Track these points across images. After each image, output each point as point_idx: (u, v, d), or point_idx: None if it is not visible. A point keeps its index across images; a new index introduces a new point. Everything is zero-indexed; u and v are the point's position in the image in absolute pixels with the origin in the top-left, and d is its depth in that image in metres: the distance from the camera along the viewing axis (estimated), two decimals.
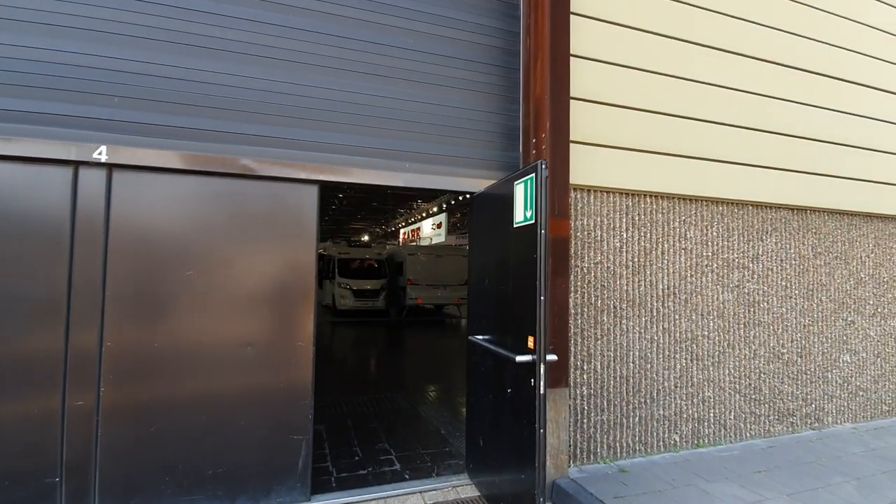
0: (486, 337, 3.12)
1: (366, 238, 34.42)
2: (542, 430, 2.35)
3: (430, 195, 22.29)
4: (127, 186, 2.76)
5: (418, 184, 3.35)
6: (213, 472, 2.84)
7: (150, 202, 2.79)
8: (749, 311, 4.15)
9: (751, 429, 4.11)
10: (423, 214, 25.91)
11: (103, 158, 2.69)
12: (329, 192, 22.34)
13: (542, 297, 2.39)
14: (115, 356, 2.71)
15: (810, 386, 4.42)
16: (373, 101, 3.29)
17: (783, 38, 4.37)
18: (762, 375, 4.19)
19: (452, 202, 21.41)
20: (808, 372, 4.41)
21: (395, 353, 9.30)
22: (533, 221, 2.47)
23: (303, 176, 3.05)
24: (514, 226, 2.70)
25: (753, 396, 4.14)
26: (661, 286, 3.79)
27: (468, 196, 3.62)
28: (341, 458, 3.78)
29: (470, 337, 3.30)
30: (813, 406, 4.43)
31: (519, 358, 2.42)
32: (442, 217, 22.99)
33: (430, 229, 24.35)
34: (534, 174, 2.48)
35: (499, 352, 2.75)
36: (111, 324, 2.70)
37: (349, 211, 29.93)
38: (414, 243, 24.80)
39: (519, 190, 2.66)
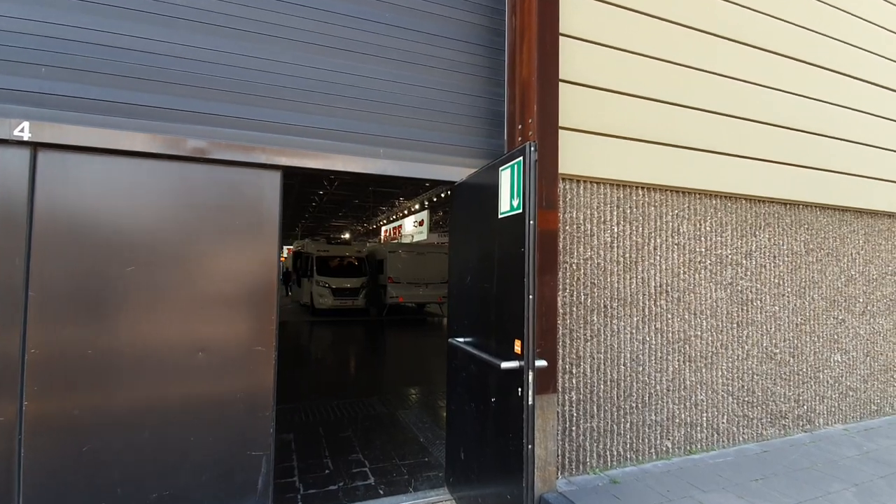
0: (467, 339, 2.84)
1: (346, 236, 33.89)
2: (530, 446, 2.08)
3: (411, 190, 21.94)
4: (55, 169, 2.39)
5: (394, 171, 3.05)
6: (159, 496, 2.49)
7: (82, 187, 2.43)
8: (742, 309, 3.97)
9: (743, 432, 3.94)
10: (405, 212, 25.52)
11: (26, 136, 2.32)
12: (308, 189, 21.79)
13: (530, 296, 2.12)
14: (41, 364, 2.34)
15: (802, 387, 4.28)
16: (344, 79, 2.98)
17: (782, 28, 4.20)
18: (755, 377, 4.02)
19: (434, 199, 21.09)
20: (801, 372, 4.27)
21: (375, 353, 8.97)
22: (520, 211, 2.20)
23: (263, 160, 2.72)
24: (500, 216, 2.43)
25: (746, 399, 3.96)
26: (653, 283, 3.57)
27: (449, 191, 3.34)
28: (310, 472, 3.46)
29: (450, 339, 3.02)
30: (805, 407, 4.29)
31: (504, 364, 2.15)
32: (424, 215, 22.64)
33: (412, 227, 23.99)
34: (521, 157, 2.21)
35: (482, 356, 2.47)
36: (36, 327, 2.33)
37: (330, 208, 29.34)
38: (395, 241, 24.42)
39: (505, 176, 2.39)
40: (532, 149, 2.16)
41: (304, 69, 2.89)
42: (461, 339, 2.90)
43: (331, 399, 5.44)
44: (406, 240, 23.45)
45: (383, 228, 30.06)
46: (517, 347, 2.18)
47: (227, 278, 2.65)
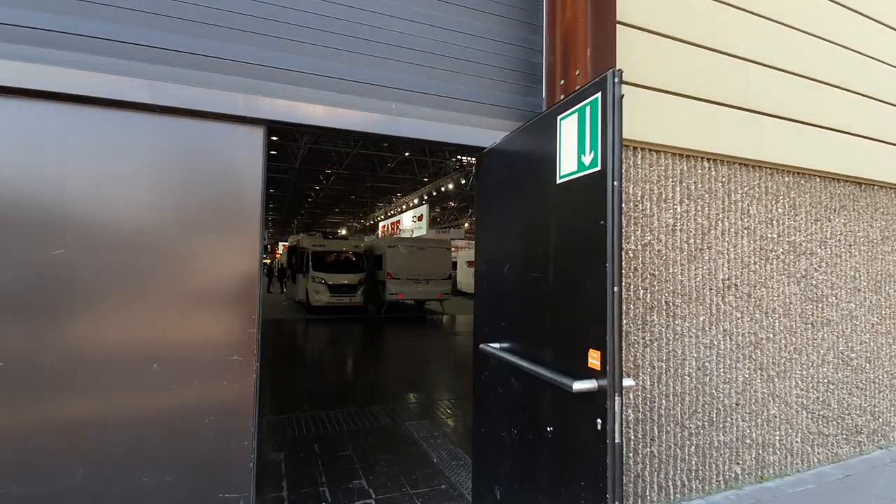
0: (505, 345, 2.21)
1: (343, 232, 33.21)
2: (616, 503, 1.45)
3: (409, 185, 21.29)
4: None
5: (407, 132, 2.40)
6: None
7: None
8: (816, 307, 3.36)
9: (818, 452, 3.33)
10: (403, 207, 24.85)
11: None
12: (305, 184, 21.10)
13: (614, 289, 1.49)
14: None
15: (878, 396, 3.68)
16: (345, 13, 2.33)
17: None
18: (830, 386, 3.41)
19: (434, 193, 20.48)
20: (877, 380, 3.66)
21: (375, 355, 8.33)
22: (598, 168, 1.56)
23: (241, 110, 2.07)
24: (559, 181, 1.79)
25: (821, 412, 3.35)
26: (720, 276, 2.95)
27: (474, 159, 2.70)
28: None
29: (481, 345, 2.38)
30: (880, 420, 3.69)
31: (577, 385, 1.52)
32: (423, 209, 22.02)
33: (411, 222, 23.36)
34: (599, 94, 1.57)
35: (533, 370, 1.84)
36: None
37: (326, 204, 28.67)
38: (395, 236, 23.78)
39: (569, 126, 1.76)
40: (616, 80, 1.52)
41: None
42: (496, 346, 2.26)
43: (328, 408, 4.79)
44: (405, 235, 22.83)
45: (381, 224, 29.38)
46: (593, 361, 1.55)
47: (191, 268, 2.01)
